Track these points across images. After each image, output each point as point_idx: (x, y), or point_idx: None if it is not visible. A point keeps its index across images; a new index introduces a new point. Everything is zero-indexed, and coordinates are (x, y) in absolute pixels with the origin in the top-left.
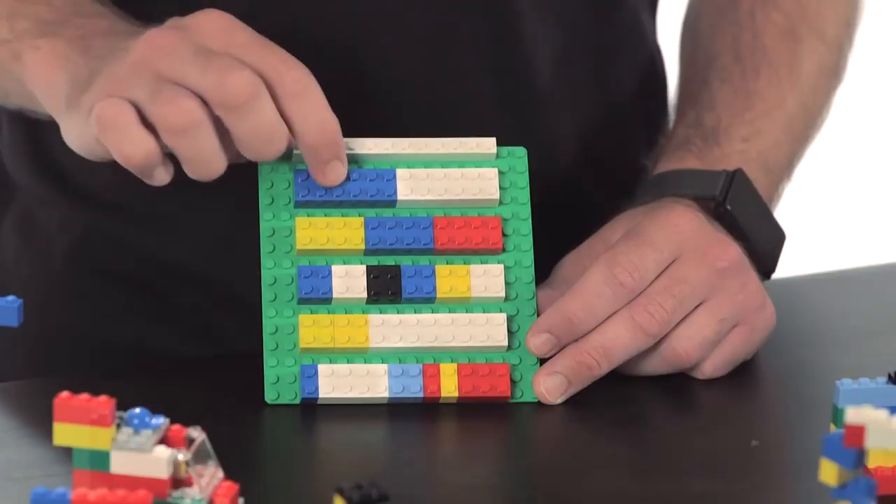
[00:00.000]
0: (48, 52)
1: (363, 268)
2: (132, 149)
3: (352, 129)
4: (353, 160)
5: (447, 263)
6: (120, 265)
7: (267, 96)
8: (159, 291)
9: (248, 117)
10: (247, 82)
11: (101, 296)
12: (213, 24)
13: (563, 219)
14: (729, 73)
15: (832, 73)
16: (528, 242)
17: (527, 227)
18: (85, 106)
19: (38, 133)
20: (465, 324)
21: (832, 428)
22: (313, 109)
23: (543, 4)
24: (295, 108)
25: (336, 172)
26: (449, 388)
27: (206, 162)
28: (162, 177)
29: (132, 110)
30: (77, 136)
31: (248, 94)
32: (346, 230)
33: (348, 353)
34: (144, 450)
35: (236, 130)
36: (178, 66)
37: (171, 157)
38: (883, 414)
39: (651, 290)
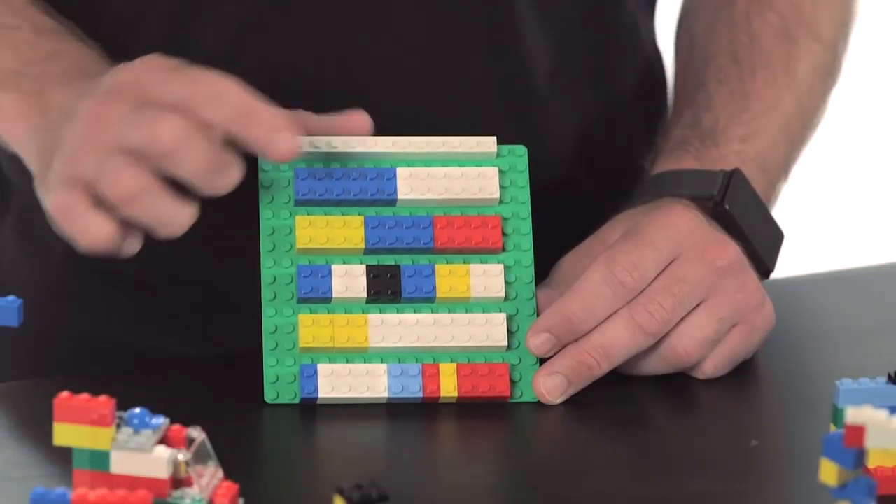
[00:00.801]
0: (10, 112)
1: (363, 267)
2: (91, 236)
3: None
4: (354, 159)
5: (447, 263)
6: (119, 266)
7: (197, 131)
8: (159, 291)
9: (186, 159)
10: (172, 126)
11: (100, 296)
12: (139, 73)
13: (562, 219)
14: (726, 74)
15: (828, 73)
16: (527, 242)
17: (527, 226)
18: (48, 188)
19: None
20: (465, 324)
21: (832, 428)
22: (229, 105)
23: (542, 7)
24: (215, 115)
25: (281, 144)
26: (448, 387)
27: (169, 219)
28: (132, 248)
29: (84, 195)
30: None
31: (177, 138)
32: (346, 229)
33: (348, 352)
34: (144, 450)
35: (181, 175)
36: (116, 133)
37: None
38: (883, 414)
39: (651, 289)
